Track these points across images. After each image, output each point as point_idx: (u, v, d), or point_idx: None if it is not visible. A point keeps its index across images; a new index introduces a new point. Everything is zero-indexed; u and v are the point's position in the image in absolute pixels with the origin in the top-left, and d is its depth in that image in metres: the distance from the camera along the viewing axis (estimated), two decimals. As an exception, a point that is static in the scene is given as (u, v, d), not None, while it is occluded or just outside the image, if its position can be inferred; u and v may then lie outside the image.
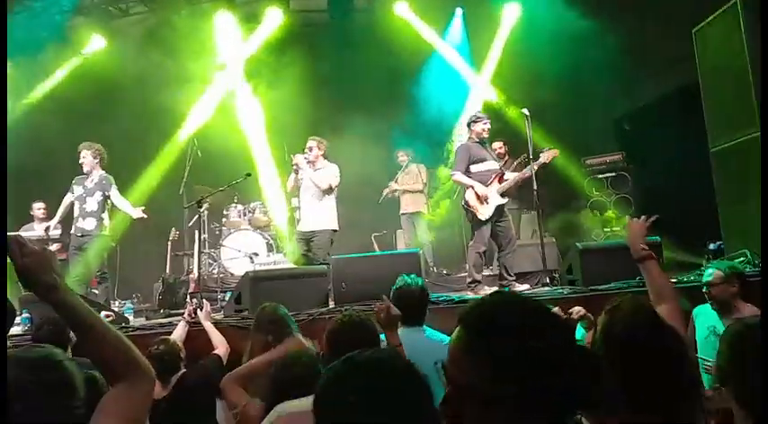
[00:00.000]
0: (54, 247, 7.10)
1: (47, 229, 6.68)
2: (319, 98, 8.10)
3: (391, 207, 8.00)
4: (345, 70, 8.36)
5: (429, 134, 8.33)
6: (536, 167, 5.40)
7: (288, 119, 7.88)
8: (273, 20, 8.53)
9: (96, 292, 6.11)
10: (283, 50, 8.30)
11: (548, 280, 5.48)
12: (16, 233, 6.77)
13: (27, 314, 4.85)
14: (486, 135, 5.61)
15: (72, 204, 6.18)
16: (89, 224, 5.94)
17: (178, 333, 3.95)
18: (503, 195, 5.43)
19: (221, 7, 8.46)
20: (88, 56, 8.38)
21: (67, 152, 6.48)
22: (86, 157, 6.06)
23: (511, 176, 5.50)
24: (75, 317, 1.36)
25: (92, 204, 5.98)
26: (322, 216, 5.85)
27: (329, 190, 5.86)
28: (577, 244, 5.11)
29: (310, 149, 5.96)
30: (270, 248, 7.26)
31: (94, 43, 8.40)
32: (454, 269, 7.44)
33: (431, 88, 8.44)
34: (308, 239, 5.85)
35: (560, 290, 4.88)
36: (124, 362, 1.40)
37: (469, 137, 5.66)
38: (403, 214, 7.78)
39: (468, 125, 5.68)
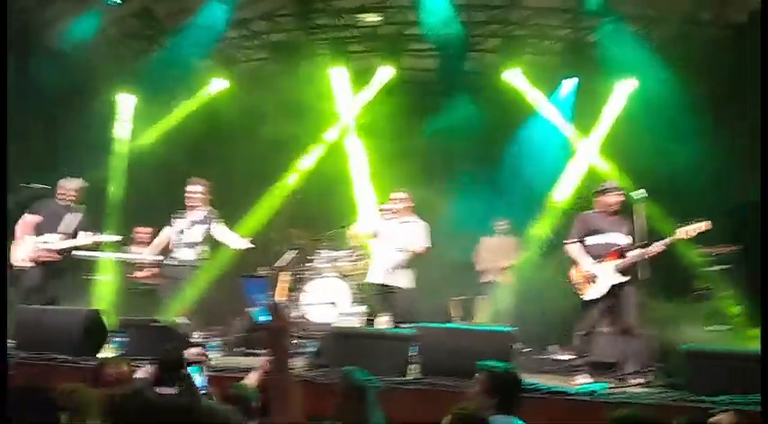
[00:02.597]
0: (150, 272, 7.49)
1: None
2: (418, 152, 8.21)
3: (473, 269, 7.78)
4: (447, 127, 8.41)
5: (525, 197, 8.15)
6: (668, 243, 4.88)
7: (388, 171, 8.06)
8: (384, 75, 8.79)
9: (188, 322, 6.25)
10: (390, 105, 8.51)
11: (641, 380, 4.81)
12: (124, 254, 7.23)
13: (123, 338, 5.06)
14: (616, 208, 5.17)
15: (168, 237, 6.24)
16: (189, 254, 5.99)
17: (251, 380, 3.93)
18: (623, 272, 4.96)
19: (337, 61, 8.83)
20: (211, 96, 8.99)
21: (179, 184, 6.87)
22: (196, 192, 6.12)
23: (634, 252, 4.98)
24: (284, 381, 1.55)
25: (195, 236, 6.02)
26: (402, 271, 5.70)
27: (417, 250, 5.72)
28: (685, 345, 4.64)
29: (398, 201, 5.88)
30: (353, 299, 7.22)
31: (217, 85, 9.01)
32: (535, 346, 7.02)
33: (530, 151, 8.37)
34: (384, 293, 5.71)
35: (660, 393, 4.44)
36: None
37: (594, 208, 5.30)
38: (492, 281, 7.50)
39: (595, 194, 5.32)
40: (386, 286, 5.70)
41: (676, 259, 7.31)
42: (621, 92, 8.22)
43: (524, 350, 6.79)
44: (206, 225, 6.07)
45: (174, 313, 6.24)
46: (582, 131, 8.55)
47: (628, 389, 4.56)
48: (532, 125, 8.69)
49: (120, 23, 8.57)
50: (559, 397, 4.07)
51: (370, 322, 5.82)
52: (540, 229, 7.95)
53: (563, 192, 8.31)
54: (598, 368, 5.00)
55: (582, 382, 4.80)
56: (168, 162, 8.05)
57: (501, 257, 7.50)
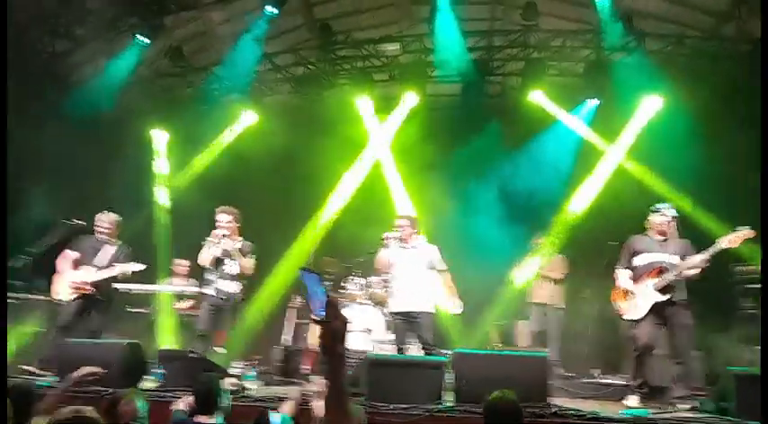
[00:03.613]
0: (189, 304, 7.63)
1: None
2: (449, 174, 8.26)
3: (513, 295, 7.68)
4: (473, 150, 8.43)
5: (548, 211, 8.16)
6: (707, 259, 4.75)
7: (418, 194, 8.17)
8: (409, 102, 8.89)
9: (225, 352, 6.30)
10: (417, 129, 8.64)
11: (689, 405, 4.70)
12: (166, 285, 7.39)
13: (162, 371, 5.14)
14: (664, 228, 5.10)
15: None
16: (232, 287, 5.93)
17: (285, 409, 3.94)
18: (663, 291, 4.85)
19: (361, 89, 8.98)
20: (242, 130, 9.26)
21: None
22: (226, 221, 5.97)
23: (673, 270, 4.86)
24: (339, 387, 1.53)
25: (235, 267, 5.93)
26: (425, 295, 5.63)
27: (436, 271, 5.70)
28: (732, 369, 4.47)
29: (403, 227, 5.76)
30: (388, 326, 7.20)
31: (246, 118, 9.26)
32: (582, 371, 6.86)
33: (552, 165, 8.38)
34: (409, 320, 5.62)
35: (708, 418, 4.29)
36: None
37: (646, 229, 5.25)
38: (535, 303, 7.32)
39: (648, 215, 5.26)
40: (409, 313, 5.59)
41: (723, 275, 7.13)
42: (646, 109, 8.12)
43: (567, 375, 6.67)
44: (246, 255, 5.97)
45: (213, 343, 6.31)
46: (606, 142, 8.48)
47: (676, 414, 4.42)
48: (554, 140, 8.70)
49: (151, 62, 8.90)
50: (600, 423, 3.97)
51: (400, 350, 5.74)
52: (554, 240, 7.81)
53: (579, 205, 8.26)
54: (648, 392, 4.90)
55: (632, 405, 4.73)
56: (202, 200, 8.28)
57: (545, 276, 7.35)
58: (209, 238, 5.93)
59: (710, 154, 6.91)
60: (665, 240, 5.10)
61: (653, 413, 4.32)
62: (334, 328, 1.52)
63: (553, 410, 4.10)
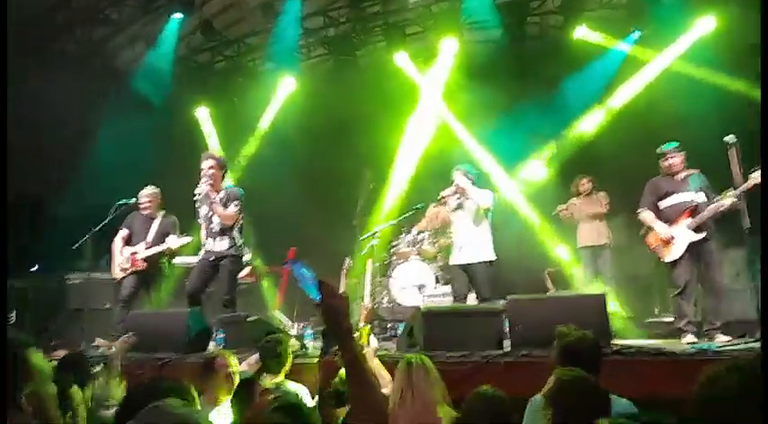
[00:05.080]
0: (245, 272, 7.79)
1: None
2: (491, 125, 8.05)
3: (567, 237, 7.51)
4: (516, 95, 8.14)
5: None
6: (738, 195, 4.66)
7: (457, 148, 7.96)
8: (448, 51, 8.61)
9: (283, 315, 6.42)
10: (459, 78, 8.44)
11: (728, 337, 4.65)
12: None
13: (222, 335, 5.30)
14: (675, 169, 5.14)
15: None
16: (219, 245, 5.52)
17: None
18: (697, 230, 4.87)
19: (396, 45, 8.77)
20: (283, 99, 9.26)
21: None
22: (207, 167, 5.48)
23: (708, 208, 4.90)
24: (357, 363, 1.52)
25: (218, 221, 5.50)
26: (480, 246, 5.67)
27: (486, 212, 5.73)
28: None
29: (457, 180, 5.79)
30: (438, 280, 7.19)
31: (286, 84, 9.22)
32: (642, 311, 6.68)
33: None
34: (466, 272, 5.69)
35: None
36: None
37: (661, 173, 5.27)
38: (583, 247, 7.14)
39: (658, 159, 5.27)
40: (467, 265, 5.68)
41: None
42: (697, 29, 7.57)
43: (626, 315, 6.51)
44: (234, 201, 5.55)
45: (271, 307, 6.46)
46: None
47: (743, 346, 4.25)
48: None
49: (184, 39, 8.95)
50: (665, 358, 3.85)
51: (457, 301, 5.80)
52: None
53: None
54: (695, 329, 4.85)
55: (689, 341, 4.70)
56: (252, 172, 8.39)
57: (593, 216, 7.11)
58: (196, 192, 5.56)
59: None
60: (684, 178, 5.13)
61: (718, 347, 4.19)
62: (334, 305, 1.52)
63: (615, 348, 4.00)
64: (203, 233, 5.66)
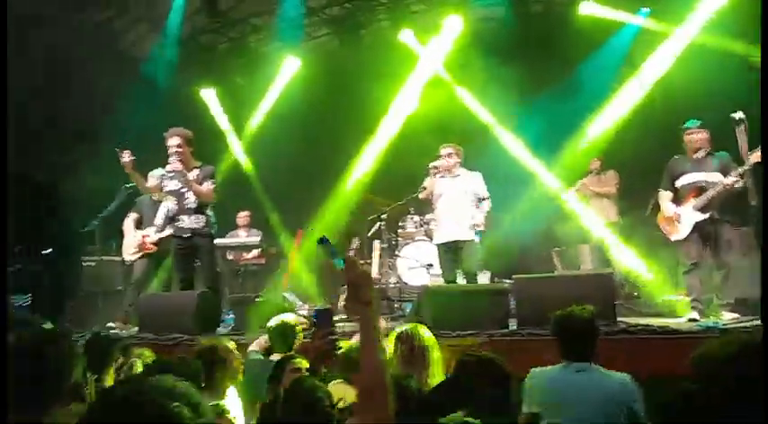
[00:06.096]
0: (255, 253, 7.89)
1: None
2: (499, 99, 7.96)
3: (574, 218, 7.47)
4: (524, 71, 8.02)
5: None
6: (741, 173, 4.69)
7: (464, 124, 7.96)
8: (452, 28, 8.49)
9: (293, 296, 6.46)
10: (464, 56, 8.31)
11: (734, 315, 4.69)
12: (224, 239, 7.63)
13: (232, 315, 5.39)
14: (698, 145, 5.05)
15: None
16: (194, 221, 5.41)
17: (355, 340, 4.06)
18: (704, 209, 4.87)
19: (401, 22, 8.67)
20: (287, 79, 9.17)
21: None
22: (175, 145, 5.30)
23: (710, 189, 4.89)
24: (371, 335, 1.53)
25: (192, 199, 5.41)
26: (468, 224, 5.62)
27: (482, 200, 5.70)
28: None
29: (449, 155, 5.72)
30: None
31: (290, 64, 9.15)
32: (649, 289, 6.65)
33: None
34: (453, 250, 5.63)
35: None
36: (379, 397, 1.48)
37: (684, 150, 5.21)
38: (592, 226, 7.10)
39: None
40: (454, 242, 5.61)
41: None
42: (708, 3, 7.37)
43: (634, 294, 6.53)
44: (210, 180, 5.48)
45: (281, 289, 6.53)
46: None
47: (748, 323, 4.27)
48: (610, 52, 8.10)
49: (187, 21, 8.89)
50: (670, 336, 3.88)
51: (449, 283, 5.71)
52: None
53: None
54: (701, 306, 4.86)
55: (691, 317, 4.75)
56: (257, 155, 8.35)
57: (602, 195, 7.08)
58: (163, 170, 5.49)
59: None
60: (703, 157, 5.05)
61: (724, 324, 4.23)
62: (355, 279, 1.56)
63: (621, 326, 4.03)
64: (172, 207, 5.47)
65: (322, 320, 2.28)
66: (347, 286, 1.57)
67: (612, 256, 6.82)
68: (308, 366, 3.03)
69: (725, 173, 4.89)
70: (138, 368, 3.31)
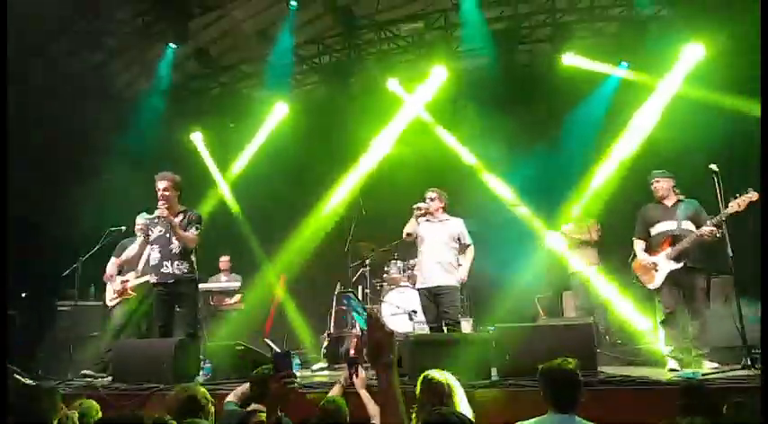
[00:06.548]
0: (236, 298, 7.81)
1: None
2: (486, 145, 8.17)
3: (556, 266, 7.52)
4: (511, 118, 8.20)
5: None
6: (716, 223, 4.77)
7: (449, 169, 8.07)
8: (438, 77, 8.72)
9: (272, 344, 6.40)
10: (446, 105, 8.59)
11: (749, 362, 4.50)
12: (206, 284, 7.55)
13: (210, 364, 5.27)
14: (659, 194, 5.21)
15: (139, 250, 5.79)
16: (178, 267, 5.32)
17: (334, 393, 3.98)
18: (677, 259, 4.93)
19: (389, 72, 8.91)
20: (274, 125, 9.33)
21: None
22: (162, 188, 5.28)
23: (686, 239, 4.94)
24: (392, 395, 1.54)
25: (176, 245, 5.32)
26: (450, 270, 5.56)
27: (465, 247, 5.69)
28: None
29: (432, 200, 5.72)
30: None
31: (278, 111, 9.31)
32: (633, 337, 6.64)
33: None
34: (435, 296, 5.53)
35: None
36: None
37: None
38: (572, 273, 7.16)
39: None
40: (436, 288, 5.52)
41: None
42: (687, 58, 7.67)
43: (617, 342, 6.51)
44: (195, 227, 5.41)
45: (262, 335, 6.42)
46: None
47: (728, 373, 4.26)
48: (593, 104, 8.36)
49: (180, 67, 9.06)
50: (649, 387, 3.86)
51: (432, 329, 5.60)
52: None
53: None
54: (679, 356, 4.88)
55: (670, 368, 4.77)
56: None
57: (582, 243, 7.15)
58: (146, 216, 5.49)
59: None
60: (673, 204, 5.16)
61: (703, 375, 4.22)
62: (379, 339, 1.57)
63: (601, 377, 4.01)
64: (156, 255, 5.39)
65: (281, 363, 2.24)
66: (369, 345, 1.58)
67: (597, 300, 6.83)
68: None
69: (695, 221, 4.99)
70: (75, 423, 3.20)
